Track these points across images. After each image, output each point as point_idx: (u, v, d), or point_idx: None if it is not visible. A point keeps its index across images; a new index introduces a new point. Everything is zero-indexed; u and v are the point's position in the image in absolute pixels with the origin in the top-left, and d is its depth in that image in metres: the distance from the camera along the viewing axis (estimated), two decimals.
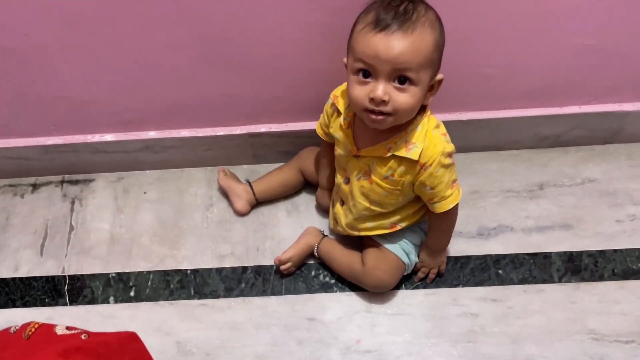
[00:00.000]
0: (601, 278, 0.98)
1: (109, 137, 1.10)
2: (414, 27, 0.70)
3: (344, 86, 0.87)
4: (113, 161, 1.15)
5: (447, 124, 1.12)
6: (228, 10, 0.87)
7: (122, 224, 1.10)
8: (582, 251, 1.01)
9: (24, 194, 1.15)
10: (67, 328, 0.84)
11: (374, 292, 0.98)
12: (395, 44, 0.69)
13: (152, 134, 1.10)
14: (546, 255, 1.01)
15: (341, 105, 0.86)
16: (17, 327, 0.83)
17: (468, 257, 1.02)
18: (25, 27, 0.89)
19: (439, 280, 1.00)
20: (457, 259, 1.02)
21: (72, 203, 1.13)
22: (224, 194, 1.12)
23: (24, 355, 0.75)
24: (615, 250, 1.01)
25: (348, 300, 0.99)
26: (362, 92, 0.74)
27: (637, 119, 1.09)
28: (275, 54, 0.95)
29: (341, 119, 0.86)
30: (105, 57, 0.94)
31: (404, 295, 0.98)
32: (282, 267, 1.01)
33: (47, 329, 0.82)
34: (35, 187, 1.16)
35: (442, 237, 0.95)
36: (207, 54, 0.94)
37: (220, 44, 0.93)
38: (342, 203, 0.95)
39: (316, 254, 1.03)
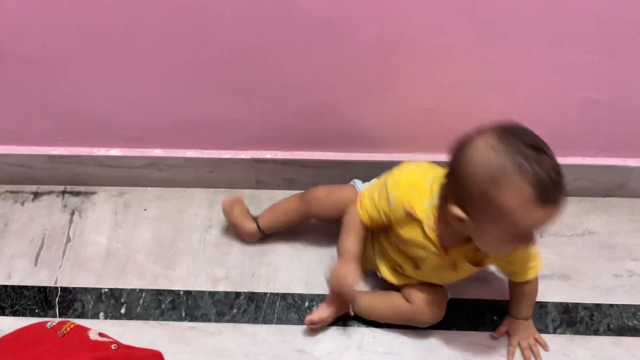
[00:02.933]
0: (596, 332, 0.97)
1: (114, 151, 1.10)
2: None
3: (413, 194, 0.84)
4: (116, 176, 1.15)
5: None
6: (246, 39, 0.89)
7: (119, 239, 1.10)
8: (578, 303, 1.00)
9: (24, 202, 1.15)
10: (100, 334, 0.84)
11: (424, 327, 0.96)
12: (559, 211, 0.72)
13: (158, 152, 1.10)
14: (542, 305, 1.00)
15: (422, 213, 0.83)
16: (53, 324, 0.83)
17: (463, 301, 1.01)
18: (44, 38, 0.90)
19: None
20: (451, 301, 1.01)
21: (72, 214, 1.13)
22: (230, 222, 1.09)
23: (58, 355, 0.76)
24: (611, 305, 1.00)
25: (340, 335, 0.97)
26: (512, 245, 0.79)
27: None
28: (287, 83, 0.96)
29: (425, 227, 0.83)
30: (119, 73, 0.96)
31: (396, 335, 0.97)
32: (312, 327, 0.96)
33: (81, 331, 0.82)
34: (36, 195, 1.16)
35: (526, 303, 0.93)
36: (221, 78, 0.96)
37: (235, 69, 0.94)
38: (386, 262, 0.96)
39: (352, 313, 0.98)
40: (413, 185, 0.84)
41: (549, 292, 1.01)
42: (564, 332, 0.97)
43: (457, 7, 0.84)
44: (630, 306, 1.00)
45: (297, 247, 1.08)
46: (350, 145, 1.09)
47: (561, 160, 1.06)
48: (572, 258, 1.06)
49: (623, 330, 0.97)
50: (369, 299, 0.98)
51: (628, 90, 0.97)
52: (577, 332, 0.97)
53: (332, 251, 1.06)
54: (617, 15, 0.85)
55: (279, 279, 1.04)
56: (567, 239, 1.09)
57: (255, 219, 1.06)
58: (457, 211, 0.75)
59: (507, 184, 0.69)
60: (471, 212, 0.74)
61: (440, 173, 0.82)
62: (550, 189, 0.69)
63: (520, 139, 0.71)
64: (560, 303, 1.00)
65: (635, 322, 0.98)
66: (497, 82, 0.95)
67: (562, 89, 0.96)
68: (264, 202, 1.12)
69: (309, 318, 0.94)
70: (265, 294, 1.01)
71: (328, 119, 1.03)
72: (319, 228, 1.09)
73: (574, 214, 1.12)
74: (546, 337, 0.96)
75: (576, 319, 0.98)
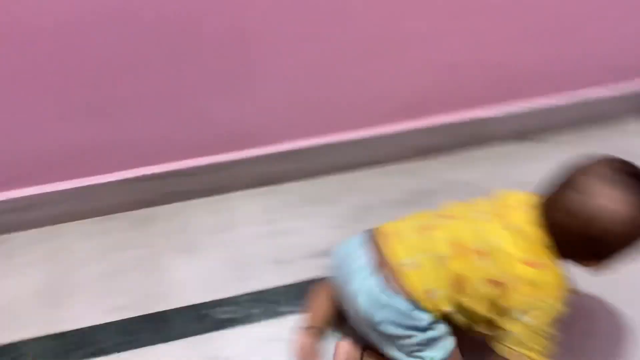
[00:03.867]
0: None
1: None
2: None
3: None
4: None
5: (330, 146, 1.17)
6: (94, 56, 0.87)
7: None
8: None
9: None
10: None
11: None
12: None
13: (27, 191, 1.04)
14: None
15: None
16: None
17: None
18: None
19: None
20: None
21: None
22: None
23: None
24: None
25: (257, 329, 0.98)
26: None
27: (498, 123, 1.20)
28: (145, 95, 0.95)
29: None
30: None
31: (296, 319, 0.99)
32: None
33: None
34: None
35: None
36: (76, 100, 0.92)
37: (90, 89, 0.91)
38: None
39: None
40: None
41: None
42: None
43: None
44: None
45: (196, 258, 1.07)
46: (229, 145, 1.10)
47: (428, 122, 1.17)
48: None
49: None
50: None
51: (476, 49, 1.06)
52: None
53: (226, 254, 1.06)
54: None
55: (178, 292, 1.01)
56: (445, 193, 1.16)
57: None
58: (594, 264, 0.77)
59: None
60: (605, 257, 0.76)
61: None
62: None
63: (626, 174, 0.73)
64: None
65: None
66: (359, 55, 1.01)
67: (418, 55, 1.04)
68: (150, 221, 1.10)
69: None
70: (164, 311, 0.99)
71: (199, 123, 1.03)
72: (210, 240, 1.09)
73: (450, 170, 1.21)
74: None
75: None
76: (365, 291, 0.80)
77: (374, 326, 0.81)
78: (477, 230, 0.79)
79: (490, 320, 0.78)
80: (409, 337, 0.79)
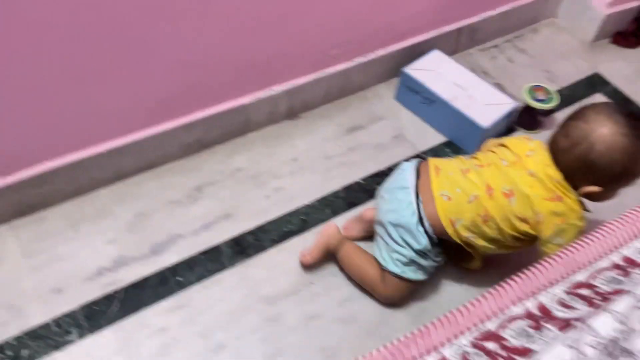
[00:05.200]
0: (264, 249, 1.12)
1: None
2: None
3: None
4: None
5: (88, 159, 1.12)
6: None
7: None
8: (244, 232, 1.14)
9: None
10: None
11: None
12: None
13: None
14: (216, 248, 1.11)
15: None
16: None
17: (147, 278, 1.05)
18: None
19: (124, 310, 1.00)
20: (136, 284, 1.04)
21: None
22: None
23: None
24: (269, 222, 1.16)
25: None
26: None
27: (256, 108, 1.27)
28: None
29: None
30: None
31: (91, 341, 0.96)
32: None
33: None
34: None
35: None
36: None
37: None
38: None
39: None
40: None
41: (218, 235, 1.12)
42: (239, 262, 1.09)
43: None
44: (283, 216, 1.18)
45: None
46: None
47: (187, 119, 1.19)
48: (229, 198, 1.19)
49: (283, 237, 1.14)
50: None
51: (204, 45, 1.09)
52: (249, 256, 1.10)
53: None
54: None
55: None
56: (221, 183, 1.21)
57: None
58: (594, 188, 0.94)
59: None
60: (605, 184, 0.93)
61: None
62: None
63: (628, 117, 0.91)
64: (230, 239, 1.12)
65: (290, 226, 1.16)
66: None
67: (149, 55, 1.03)
68: None
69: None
70: None
71: None
72: None
73: (221, 160, 1.25)
74: (226, 274, 1.07)
75: (246, 245, 1.12)
76: (402, 201, 1.00)
77: (386, 225, 1.02)
78: (505, 175, 0.98)
79: (518, 238, 0.98)
80: (404, 248, 1.00)
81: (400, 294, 1.04)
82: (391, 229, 1.01)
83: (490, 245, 1.00)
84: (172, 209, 1.16)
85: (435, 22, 1.46)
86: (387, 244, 1.02)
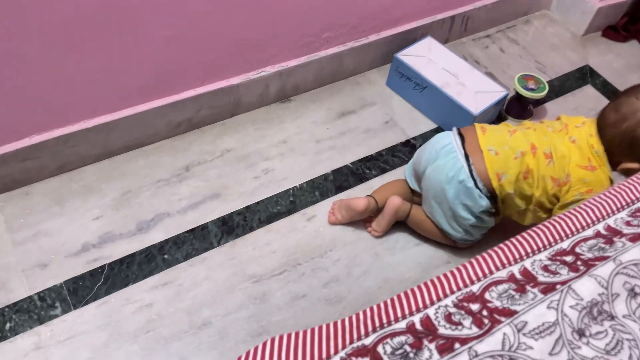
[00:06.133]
0: (251, 229, 1.12)
1: None
2: None
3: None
4: None
5: (75, 135, 1.12)
6: None
7: None
8: (232, 212, 1.13)
9: None
10: None
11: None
12: None
13: None
14: (203, 227, 1.10)
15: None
16: None
17: (132, 255, 1.04)
18: None
19: (109, 286, 1.00)
20: (122, 260, 1.03)
21: None
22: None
23: None
24: (258, 203, 1.16)
25: (13, 346, 0.91)
26: None
27: (247, 89, 1.26)
28: None
29: None
30: None
31: (75, 316, 0.96)
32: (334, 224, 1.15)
33: None
34: None
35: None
36: None
37: None
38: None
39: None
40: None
41: (205, 214, 1.12)
42: (226, 241, 1.09)
43: None
44: (272, 197, 1.17)
45: None
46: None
47: (177, 97, 1.18)
48: (217, 178, 1.18)
49: (271, 218, 1.14)
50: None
51: (196, 22, 1.08)
52: (237, 236, 1.10)
53: None
54: None
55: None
56: (210, 163, 1.20)
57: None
58: (634, 165, 0.97)
59: None
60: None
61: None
62: None
63: None
64: (218, 218, 1.12)
65: (278, 207, 1.16)
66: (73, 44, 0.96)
67: (141, 32, 1.02)
68: None
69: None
70: None
71: None
72: None
73: (210, 141, 1.24)
74: (213, 252, 1.07)
75: (233, 225, 1.12)
76: (452, 169, 1.02)
77: (444, 199, 1.05)
78: (548, 139, 1.02)
79: (542, 204, 1.02)
80: (465, 214, 1.04)
81: (467, 246, 1.14)
82: (448, 198, 1.04)
83: (521, 205, 1.04)
84: (159, 187, 1.15)
85: (429, 9, 1.46)
86: (444, 214, 1.08)
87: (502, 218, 1.11)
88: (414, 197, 1.17)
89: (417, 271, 1.10)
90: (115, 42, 1.01)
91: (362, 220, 1.15)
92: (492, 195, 1.02)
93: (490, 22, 1.62)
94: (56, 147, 1.08)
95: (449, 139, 1.06)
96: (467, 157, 1.02)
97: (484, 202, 1.01)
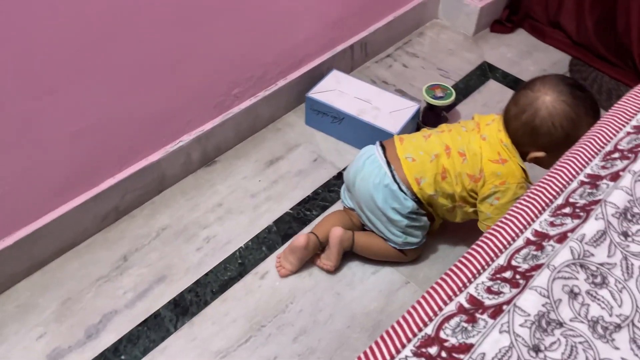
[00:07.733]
0: (206, 304, 1.08)
1: None
2: None
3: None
4: None
5: None
6: None
7: None
8: (182, 291, 1.09)
9: None
10: None
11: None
12: None
13: None
14: (156, 315, 1.06)
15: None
16: None
17: None
18: None
19: None
20: None
21: None
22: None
23: None
24: (206, 274, 1.13)
25: None
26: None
27: (168, 162, 1.24)
28: None
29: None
30: None
31: None
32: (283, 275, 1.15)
33: None
34: None
35: None
36: None
37: None
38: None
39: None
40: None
41: (155, 301, 1.07)
42: (183, 323, 1.05)
43: None
44: (219, 265, 1.14)
45: None
46: None
47: (98, 189, 1.09)
48: (159, 260, 1.14)
49: (224, 286, 1.11)
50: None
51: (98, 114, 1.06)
52: (193, 315, 1.06)
53: None
54: None
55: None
56: (148, 246, 1.16)
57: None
58: (539, 154, 1.02)
59: (581, 123, 0.98)
60: (549, 149, 1.01)
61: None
62: (598, 109, 1.02)
63: (571, 86, 1.00)
64: (169, 302, 1.08)
65: (228, 274, 1.13)
66: None
67: (49, 129, 0.98)
68: None
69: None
70: None
71: None
72: None
73: (143, 224, 1.20)
74: (172, 339, 1.02)
75: (186, 305, 1.07)
76: (377, 176, 1.07)
77: (375, 207, 1.09)
78: (462, 138, 1.07)
79: (465, 199, 1.08)
80: (396, 217, 1.08)
81: (417, 253, 1.17)
82: (378, 204, 1.07)
83: (447, 203, 1.09)
84: (100, 286, 1.09)
85: (328, 43, 1.50)
86: (379, 221, 1.11)
87: (442, 222, 1.16)
88: (354, 221, 1.18)
89: (380, 299, 1.10)
90: (18, 151, 0.97)
91: (312, 261, 1.14)
92: (416, 198, 1.07)
93: (387, 42, 1.69)
94: None
95: (372, 150, 1.12)
96: (389, 164, 1.08)
97: (410, 204, 1.07)
